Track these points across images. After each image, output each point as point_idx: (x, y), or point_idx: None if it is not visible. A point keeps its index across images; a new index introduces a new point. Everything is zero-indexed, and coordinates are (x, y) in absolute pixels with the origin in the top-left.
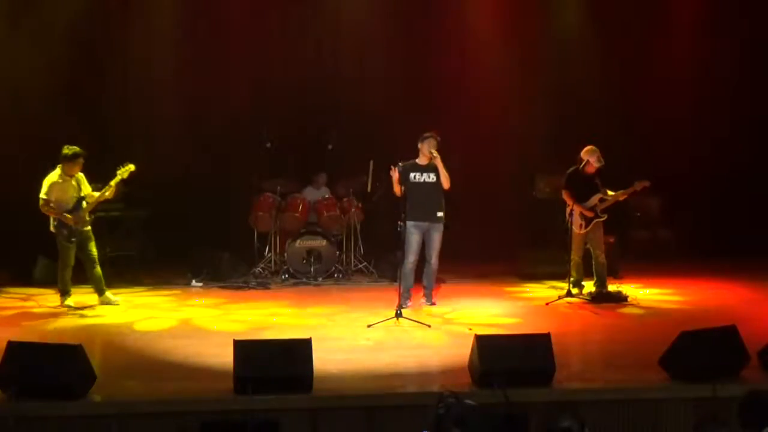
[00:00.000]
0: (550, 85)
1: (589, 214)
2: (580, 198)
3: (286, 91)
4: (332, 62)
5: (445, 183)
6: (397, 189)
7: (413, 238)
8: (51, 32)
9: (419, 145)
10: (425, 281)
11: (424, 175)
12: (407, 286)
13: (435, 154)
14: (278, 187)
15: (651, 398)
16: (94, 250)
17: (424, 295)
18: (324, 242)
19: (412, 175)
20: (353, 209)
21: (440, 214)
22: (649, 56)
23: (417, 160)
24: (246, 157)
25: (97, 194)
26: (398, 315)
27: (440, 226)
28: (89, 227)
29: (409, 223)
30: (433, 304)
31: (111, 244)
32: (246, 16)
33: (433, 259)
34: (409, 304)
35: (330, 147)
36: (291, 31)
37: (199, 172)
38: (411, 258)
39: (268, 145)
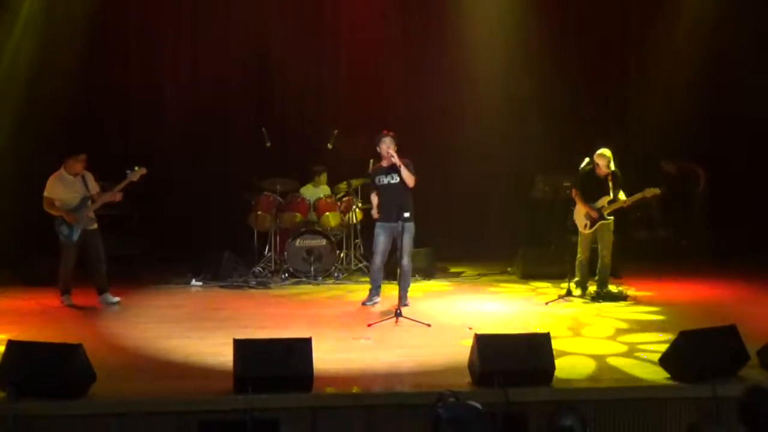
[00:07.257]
0: (550, 85)
1: (594, 215)
2: (589, 198)
3: (287, 91)
4: (334, 62)
5: (409, 181)
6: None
7: (380, 239)
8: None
9: (377, 148)
10: (401, 283)
11: (388, 176)
12: (375, 285)
13: (392, 153)
14: (278, 187)
15: (651, 397)
16: (101, 249)
17: (399, 297)
18: (324, 241)
19: (377, 178)
20: (353, 208)
21: (407, 214)
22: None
23: (382, 163)
24: (246, 156)
25: (106, 194)
26: (398, 314)
27: (409, 227)
28: (96, 225)
29: (379, 224)
30: (406, 305)
31: (111, 243)
32: (248, 16)
33: (405, 260)
34: (377, 300)
35: (330, 146)
36: (292, 31)
37: (199, 171)
38: (378, 258)
39: (268, 144)
